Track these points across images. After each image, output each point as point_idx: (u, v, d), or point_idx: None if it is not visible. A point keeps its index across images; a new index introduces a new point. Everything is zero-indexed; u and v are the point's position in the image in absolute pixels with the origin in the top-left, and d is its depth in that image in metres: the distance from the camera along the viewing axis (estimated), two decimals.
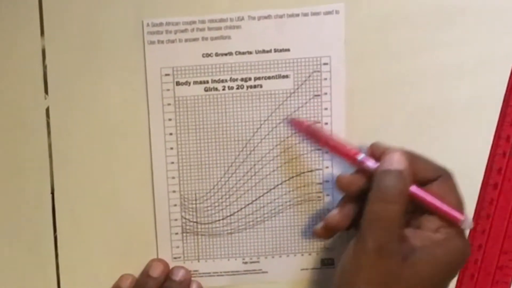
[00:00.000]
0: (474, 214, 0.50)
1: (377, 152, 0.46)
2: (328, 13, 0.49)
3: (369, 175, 0.45)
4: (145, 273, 0.50)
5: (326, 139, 0.47)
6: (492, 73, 0.49)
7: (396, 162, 0.44)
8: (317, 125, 0.49)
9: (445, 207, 0.44)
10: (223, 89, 0.49)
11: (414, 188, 0.44)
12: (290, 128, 0.49)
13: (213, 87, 0.49)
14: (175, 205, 0.51)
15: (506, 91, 0.49)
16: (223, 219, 0.51)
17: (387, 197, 0.43)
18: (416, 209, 0.45)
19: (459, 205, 0.44)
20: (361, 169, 0.46)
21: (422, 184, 0.45)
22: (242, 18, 0.49)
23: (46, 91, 0.50)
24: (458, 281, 0.50)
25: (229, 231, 0.51)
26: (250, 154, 0.50)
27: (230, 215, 0.51)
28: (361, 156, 0.46)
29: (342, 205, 0.47)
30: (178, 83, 0.49)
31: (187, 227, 0.51)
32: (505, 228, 0.50)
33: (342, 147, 0.47)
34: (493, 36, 0.49)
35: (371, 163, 0.45)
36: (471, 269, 0.50)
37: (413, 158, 0.45)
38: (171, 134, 0.50)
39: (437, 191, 0.44)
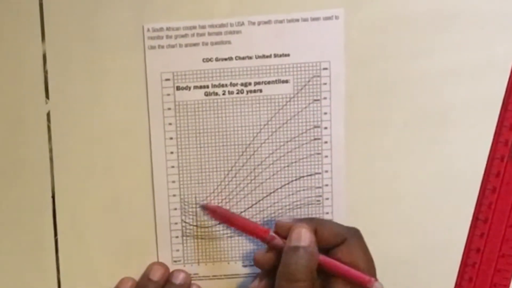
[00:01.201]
0: (472, 218, 0.50)
1: (282, 230, 0.47)
2: (327, 18, 0.49)
3: (280, 252, 0.46)
4: (145, 277, 0.50)
5: (238, 221, 0.49)
6: (490, 77, 0.49)
7: (302, 238, 0.46)
8: (228, 210, 0.50)
9: (352, 272, 0.45)
10: (223, 94, 0.50)
11: (321, 258, 0.46)
12: (205, 213, 0.51)
13: (213, 92, 0.50)
14: (175, 208, 0.51)
15: (505, 95, 0.49)
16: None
17: (294, 276, 0.44)
18: (329, 274, 0.46)
19: (368, 264, 0.46)
20: (272, 246, 0.47)
21: (329, 249, 0.46)
22: (242, 23, 0.49)
23: (47, 96, 0.50)
24: (456, 284, 0.51)
25: (229, 235, 0.51)
26: (250, 158, 0.50)
27: None
28: (270, 234, 0.47)
29: (260, 278, 0.48)
30: (178, 88, 0.50)
31: (187, 231, 0.51)
32: (503, 231, 0.50)
33: (253, 227, 0.49)
34: (492, 40, 0.49)
35: (279, 241, 0.47)
36: (469, 273, 0.50)
37: (317, 227, 0.46)
38: (171, 138, 0.50)
39: (345, 254, 0.46)
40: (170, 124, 0.50)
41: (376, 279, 0.45)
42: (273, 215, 0.51)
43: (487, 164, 0.50)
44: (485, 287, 0.50)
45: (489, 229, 0.50)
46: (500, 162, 0.49)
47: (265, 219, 0.51)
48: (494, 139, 0.50)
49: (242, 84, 0.49)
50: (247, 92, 0.50)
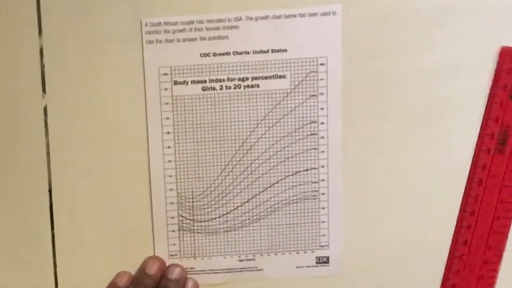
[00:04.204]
0: (459, 210, 0.51)
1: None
2: (325, 14, 0.49)
3: None
4: (142, 271, 0.51)
5: None
6: (489, 72, 0.50)
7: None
8: None
9: None
10: (221, 89, 0.50)
11: None
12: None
13: (211, 87, 0.50)
14: (172, 203, 0.51)
15: (491, 88, 0.49)
16: (219, 217, 0.51)
17: None
18: None
19: None
20: None
21: None
22: (240, 19, 0.49)
23: (44, 90, 0.50)
24: (444, 276, 0.51)
25: (225, 229, 0.51)
26: (247, 153, 0.50)
27: (227, 213, 0.51)
28: None
29: None
30: (176, 83, 0.50)
31: (184, 225, 0.51)
32: (490, 223, 0.50)
33: None
34: (489, 35, 0.49)
35: None
36: (456, 265, 0.51)
37: None
38: (168, 133, 0.50)
39: None
40: (167, 118, 0.50)
41: None
42: (269, 209, 0.51)
43: (473, 157, 0.50)
44: (472, 279, 0.51)
45: (476, 221, 0.50)
46: (486, 154, 0.50)
47: (262, 214, 0.51)
48: (480, 131, 0.50)
49: (239, 79, 0.50)
50: (244, 87, 0.50)
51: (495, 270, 0.51)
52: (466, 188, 0.50)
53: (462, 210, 0.50)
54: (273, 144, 0.50)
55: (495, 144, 0.50)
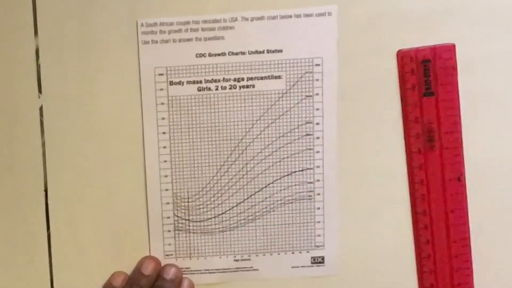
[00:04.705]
0: (411, 212, 0.51)
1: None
2: (320, 14, 0.49)
3: None
4: (137, 271, 0.51)
5: None
6: (486, 72, 0.50)
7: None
8: None
9: None
10: (216, 89, 0.50)
11: None
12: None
13: (206, 87, 0.50)
14: (168, 203, 0.51)
15: (401, 91, 0.50)
16: (215, 217, 0.51)
17: None
18: None
19: None
20: None
21: None
22: (236, 19, 0.49)
23: (39, 90, 0.50)
24: (418, 279, 0.51)
25: (220, 229, 0.52)
26: (242, 153, 0.51)
27: (222, 213, 0.51)
28: None
29: None
30: (171, 83, 0.50)
31: (179, 225, 0.51)
32: (444, 218, 0.50)
33: None
34: (485, 35, 0.49)
35: None
36: (427, 265, 0.51)
37: None
38: (164, 133, 0.50)
39: None
40: (163, 118, 0.50)
41: None
42: (265, 210, 0.51)
43: (407, 159, 0.50)
44: (447, 274, 0.51)
45: (430, 220, 0.50)
46: (418, 154, 0.50)
47: (257, 214, 0.51)
48: (404, 134, 0.50)
49: (235, 80, 0.50)
50: (240, 87, 0.50)
51: (468, 261, 0.51)
52: (410, 190, 0.50)
53: (414, 212, 0.51)
54: (268, 145, 0.50)
55: (423, 143, 0.50)
